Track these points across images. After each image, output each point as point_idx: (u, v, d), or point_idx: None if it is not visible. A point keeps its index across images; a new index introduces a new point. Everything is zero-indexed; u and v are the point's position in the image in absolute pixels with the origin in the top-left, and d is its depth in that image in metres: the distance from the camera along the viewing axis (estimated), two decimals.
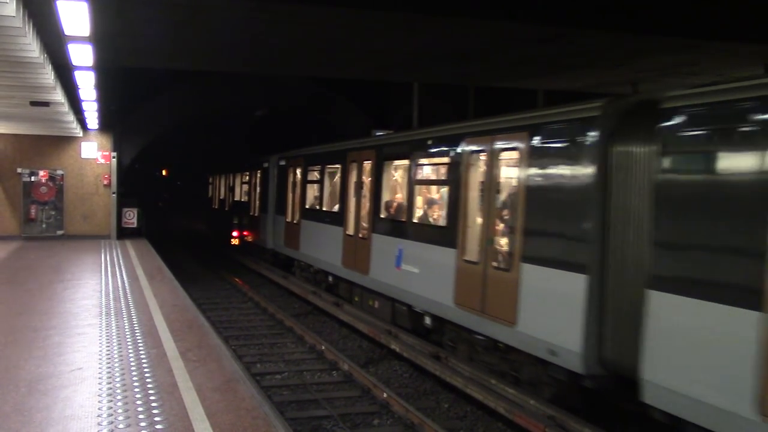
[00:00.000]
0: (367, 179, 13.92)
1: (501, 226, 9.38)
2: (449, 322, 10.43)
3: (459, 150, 10.30)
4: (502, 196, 9.43)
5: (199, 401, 6.43)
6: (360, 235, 13.83)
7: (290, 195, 19.43)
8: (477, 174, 9.89)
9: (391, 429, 8.55)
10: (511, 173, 9.28)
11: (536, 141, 8.54)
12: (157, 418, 5.94)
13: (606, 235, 7.39)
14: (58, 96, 13.38)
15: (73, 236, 22.38)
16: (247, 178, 25.54)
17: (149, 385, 6.87)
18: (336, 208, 15.67)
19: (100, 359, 7.84)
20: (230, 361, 8.14)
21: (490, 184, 9.45)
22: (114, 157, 22.77)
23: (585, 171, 7.68)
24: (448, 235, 10.35)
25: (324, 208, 16.60)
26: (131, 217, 23.73)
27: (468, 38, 13.27)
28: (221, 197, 31.46)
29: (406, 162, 12.32)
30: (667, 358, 6.36)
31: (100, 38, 10.41)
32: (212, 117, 31.61)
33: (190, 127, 33.10)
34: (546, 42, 13.14)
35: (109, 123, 22.21)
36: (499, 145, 9.33)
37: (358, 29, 13.02)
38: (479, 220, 9.73)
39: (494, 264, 9.17)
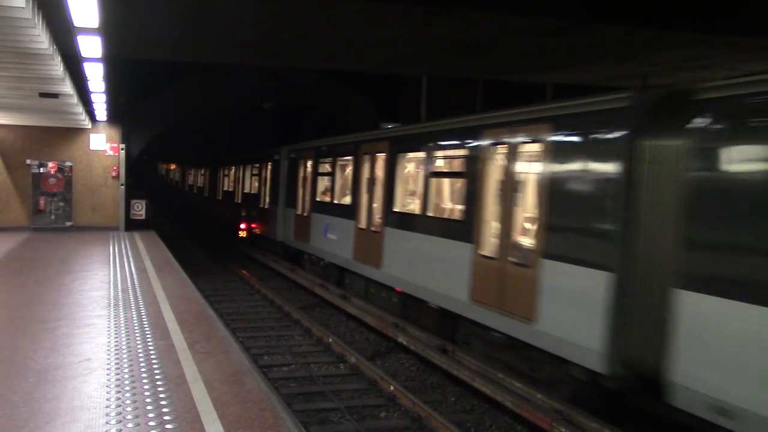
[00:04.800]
0: (380, 172, 13.85)
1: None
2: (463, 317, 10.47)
3: (485, 143, 10.02)
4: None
5: (207, 393, 6.45)
6: (372, 229, 13.88)
7: (300, 188, 19.32)
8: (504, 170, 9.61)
9: (397, 422, 8.55)
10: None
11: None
12: (165, 410, 5.96)
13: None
14: (67, 87, 13.40)
15: (82, 227, 22.47)
16: (257, 170, 25.46)
17: (157, 377, 6.90)
18: (347, 200, 15.69)
19: (108, 350, 7.87)
20: (238, 353, 8.16)
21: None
22: (122, 149, 22.81)
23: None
24: (463, 230, 10.28)
25: (335, 201, 16.59)
26: (139, 209, 23.80)
27: (476, 31, 13.23)
28: (229, 189, 31.63)
29: (423, 154, 12.12)
30: None
31: (109, 30, 10.42)
32: (220, 109, 31.68)
33: (199, 119, 33.17)
34: (554, 35, 13.09)
35: (117, 115, 22.25)
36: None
37: (366, 22, 12.99)
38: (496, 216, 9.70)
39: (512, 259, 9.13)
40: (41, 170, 22.26)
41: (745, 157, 6.12)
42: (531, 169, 9.09)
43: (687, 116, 6.54)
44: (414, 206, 12.54)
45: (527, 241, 8.90)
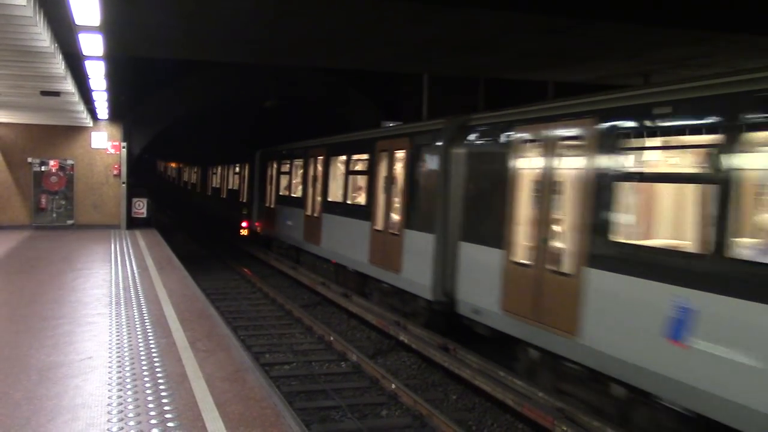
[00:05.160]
0: (321, 171, 17.78)
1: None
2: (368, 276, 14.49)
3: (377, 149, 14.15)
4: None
5: (209, 391, 6.45)
6: (315, 215, 17.91)
7: (268, 184, 23.49)
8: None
9: (399, 420, 8.55)
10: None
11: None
12: (166, 408, 5.96)
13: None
14: (69, 86, 13.41)
15: (83, 226, 22.47)
16: (238, 169, 29.43)
17: (159, 375, 6.91)
18: (299, 194, 19.82)
19: (110, 348, 7.88)
20: (239, 351, 8.16)
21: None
22: (124, 147, 22.81)
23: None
24: (366, 212, 14.27)
25: (292, 195, 20.69)
26: (141, 207, 23.80)
27: (477, 29, 13.21)
28: (216, 186, 35.55)
29: (344, 158, 16.14)
30: None
31: (111, 28, 10.41)
32: (221, 108, 31.64)
33: (200, 118, 33.14)
34: (556, 33, 13.06)
35: (119, 113, 22.24)
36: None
37: (368, 19, 12.98)
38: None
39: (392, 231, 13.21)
40: (43, 168, 22.27)
41: (480, 161, 10.33)
42: (399, 168, 13.02)
43: (465, 135, 10.74)
44: (339, 196, 16.38)
45: (398, 218, 12.83)
